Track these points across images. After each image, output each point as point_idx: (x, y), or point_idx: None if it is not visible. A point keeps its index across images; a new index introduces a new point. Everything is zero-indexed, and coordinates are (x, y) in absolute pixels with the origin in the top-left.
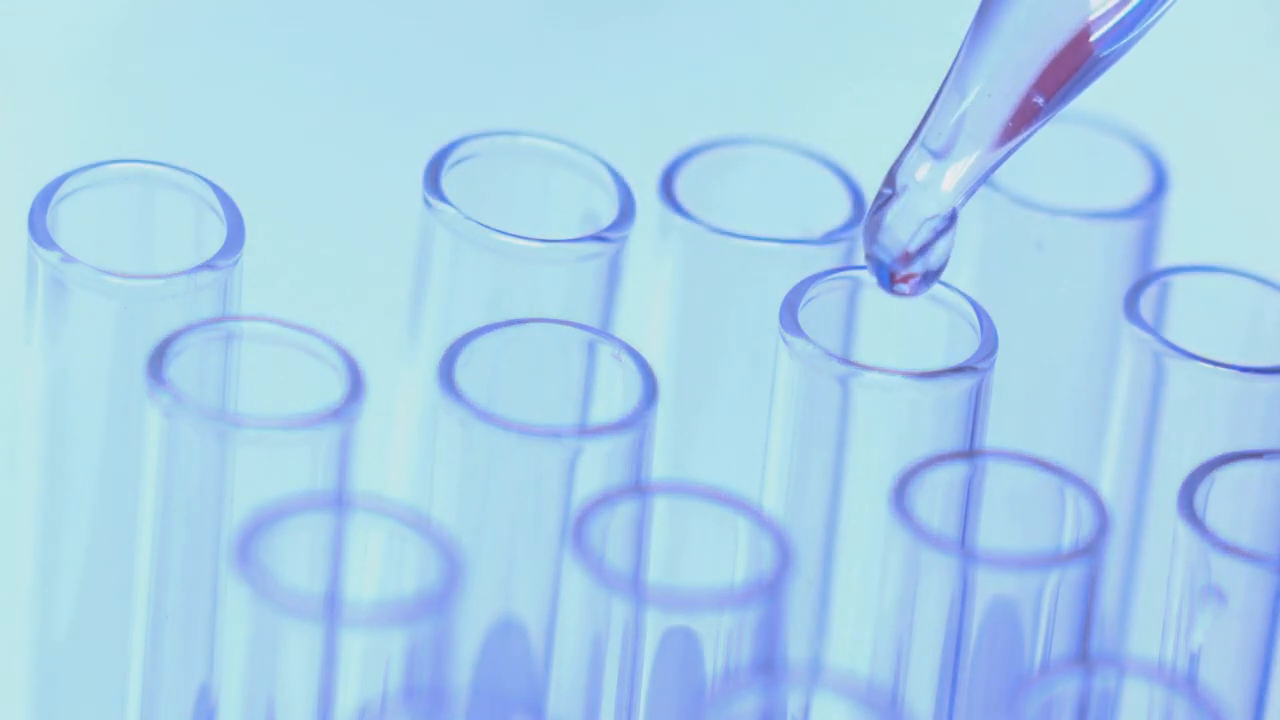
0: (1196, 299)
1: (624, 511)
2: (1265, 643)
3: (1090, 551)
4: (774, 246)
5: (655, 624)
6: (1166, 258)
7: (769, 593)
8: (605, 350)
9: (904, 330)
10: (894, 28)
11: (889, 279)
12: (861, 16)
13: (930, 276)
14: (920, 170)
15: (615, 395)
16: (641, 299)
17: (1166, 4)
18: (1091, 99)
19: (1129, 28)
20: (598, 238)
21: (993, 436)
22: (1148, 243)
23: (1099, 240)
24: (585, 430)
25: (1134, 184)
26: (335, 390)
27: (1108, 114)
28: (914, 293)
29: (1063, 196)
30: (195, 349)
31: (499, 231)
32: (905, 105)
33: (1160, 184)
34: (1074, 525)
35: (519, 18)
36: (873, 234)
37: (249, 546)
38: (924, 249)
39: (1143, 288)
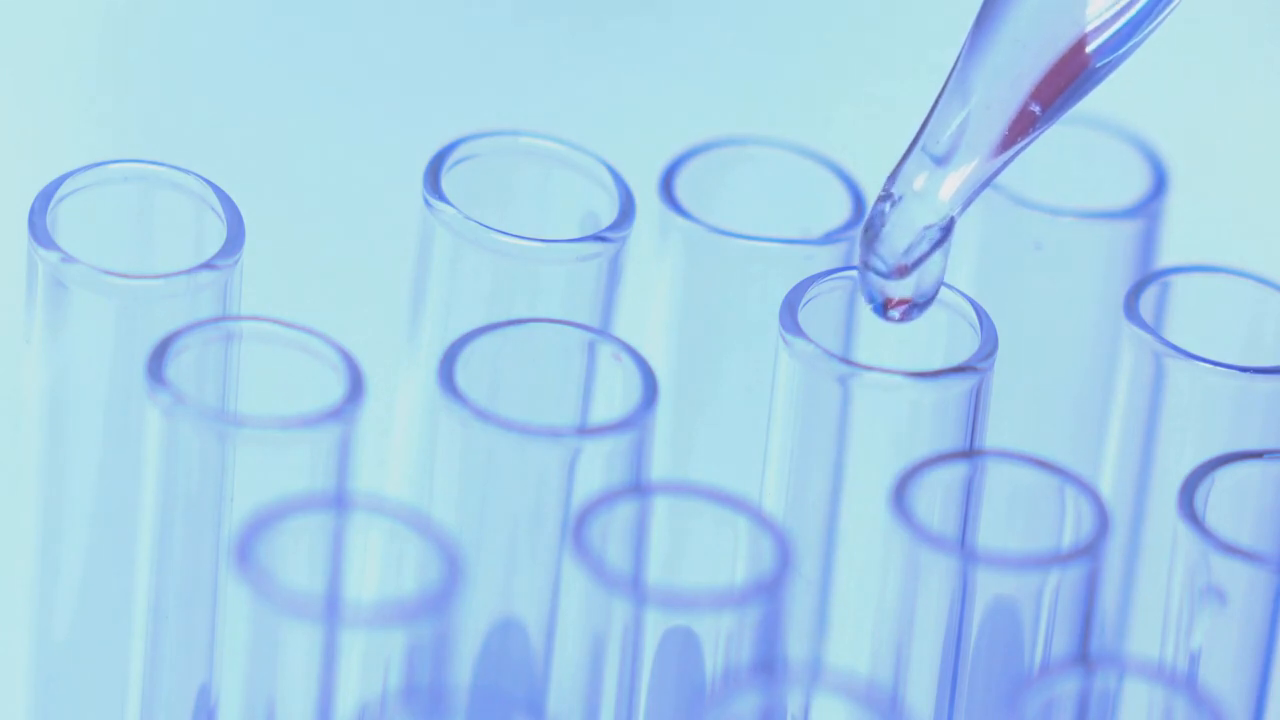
0: (1196, 299)
1: (624, 511)
2: (1265, 643)
3: (1090, 551)
4: (774, 246)
5: (655, 624)
6: (1166, 258)
7: (769, 593)
8: (605, 350)
9: (904, 330)
10: (895, 29)
11: (882, 306)
12: (863, 17)
13: (922, 304)
14: (918, 179)
15: (615, 395)
16: (641, 299)
17: (1163, 15)
18: (1091, 100)
19: (1125, 38)
20: (598, 238)
21: (993, 436)
22: (1148, 243)
23: (1099, 240)
24: (585, 430)
25: (1134, 184)
26: (335, 390)
27: (1108, 114)
28: (905, 319)
29: (1063, 196)
30: (195, 349)
31: (499, 231)
32: (905, 106)
33: (1160, 184)
34: (1074, 525)
35: (520, 18)
36: (869, 243)
37: (249, 546)
38: (920, 261)
39: (1143, 288)
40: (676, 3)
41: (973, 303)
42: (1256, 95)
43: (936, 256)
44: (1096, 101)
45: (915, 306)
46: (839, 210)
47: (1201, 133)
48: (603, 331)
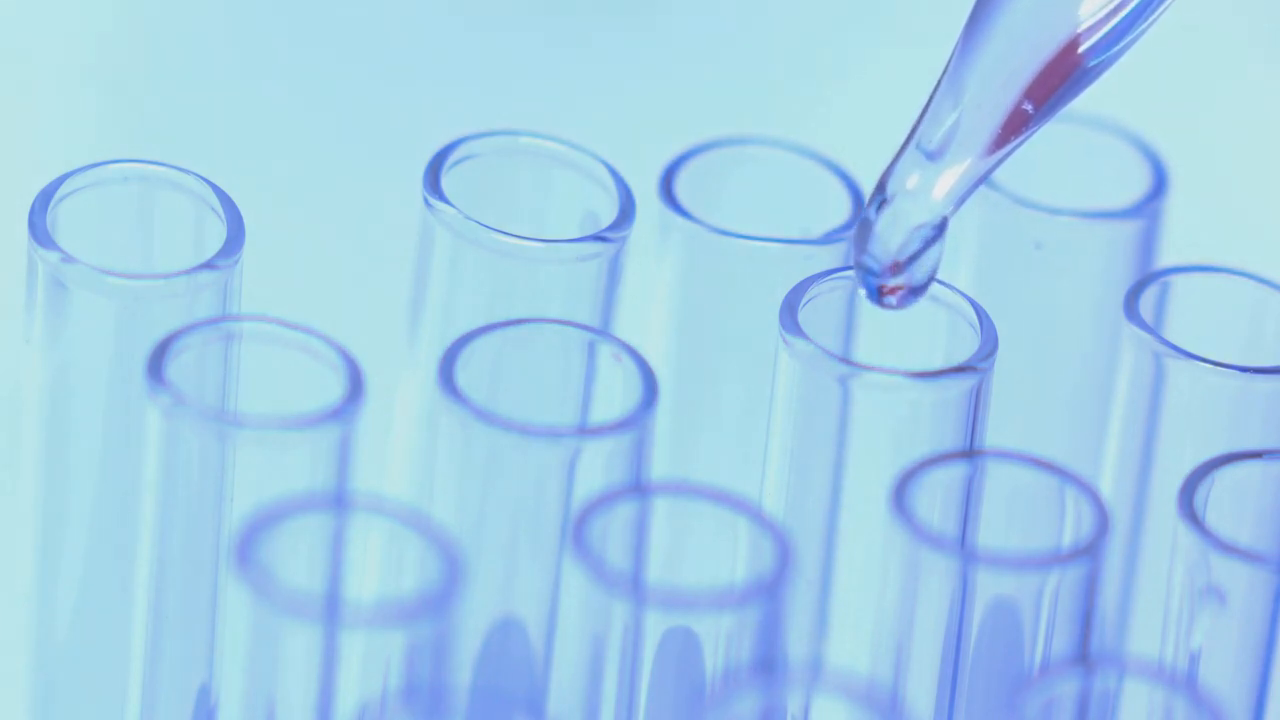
0: (1196, 299)
1: (624, 511)
2: (1265, 643)
3: (1090, 551)
4: (774, 246)
5: (655, 624)
6: (1166, 258)
7: (769, 593)
8: (605, 350)
9: (904, 330)
10: (894, 28)
11: (876, 292)
12: (861, 16)
13: (917, 290)
14: (910, 179)
15: (615, 395)
16: (641, 299)
17: (1155, 15)
18: (1091, 99)
19: (1118, 38)
20: (598, 238)
21: (993, 436)
22: (1148, 243)
23: (1099, 240)
24: (585, 430)
25: (1134, 184)
26: (335, 390)
27: (1108, 114)
28: (900, 305)
29: (1063, 196)
30: (195, 349)
31: (499, 231)
32: (905, 105)
33: (1160, 184)
34: (1074, 525)
35: (519, 18)
36: (862, 243)
37: (249, 546)
38: (913, 259)
39: (1143, 288)
40: (676, 3)
41: (973, 303)
42: (1256, 95)
43: (928, 258)
44: (1096, 101)
45: (911, 292)
46: (839, 210)
47: (1201, 133)
48: (603, 331)
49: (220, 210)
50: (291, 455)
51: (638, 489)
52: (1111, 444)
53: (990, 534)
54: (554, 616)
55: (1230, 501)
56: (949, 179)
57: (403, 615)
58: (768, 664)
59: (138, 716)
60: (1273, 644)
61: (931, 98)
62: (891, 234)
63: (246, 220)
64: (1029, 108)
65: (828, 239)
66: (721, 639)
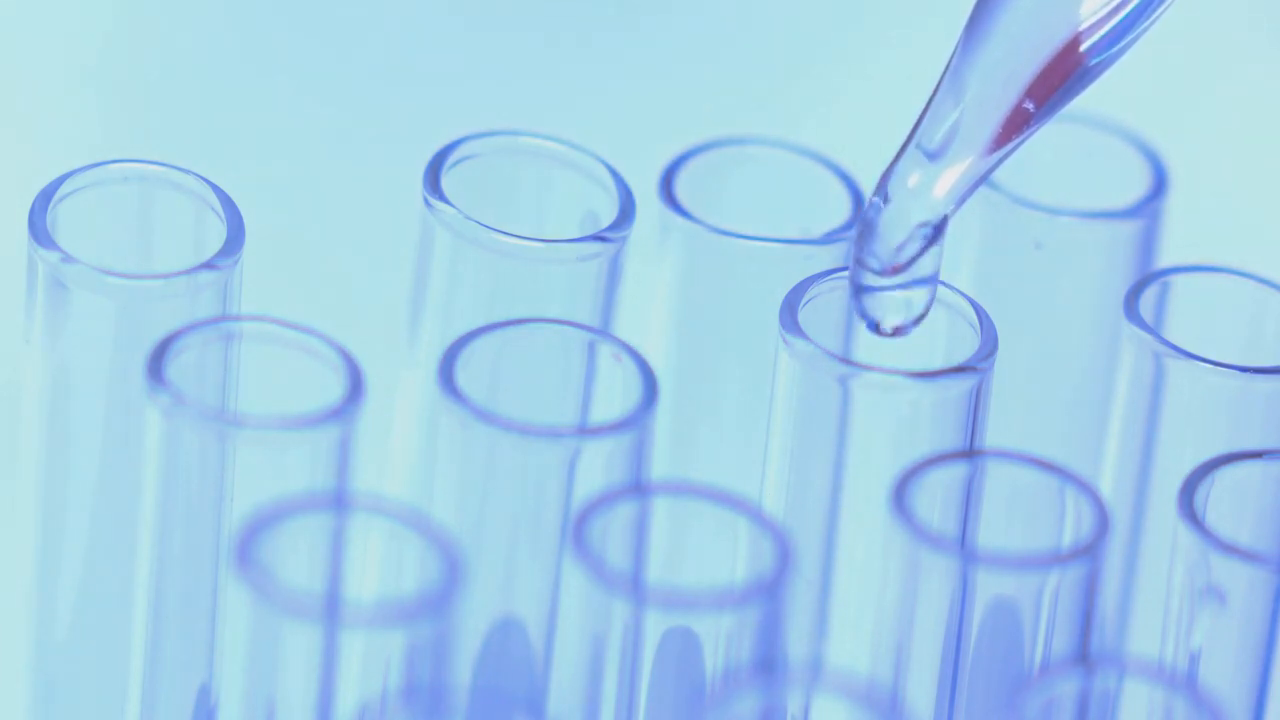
0: (1196, 299)
1: (624, 511)
2: (1265, 643)
3: (1090, 551)
4: (774, 246)
5: (655, 624)
6: (1166, 258)
7: (769, 593)
8: (605, 350)
9: None
10: (894, 28)
11: (875, 325)
12: (861, 16)
13: (914, 321)
14: (911, 178)
15: (615, 395)
16: (641, 299)
17: (1156, 14)
18: (1091, 99)
19: (1119, 36)
20: (598, 238)
21: (993, 436)
22: (1148, 243)
23: (1099, 240)
24: (585, 430)
25: (1134, 184)
26: (335, 390)
27: (1108, 114)
28: (896, 335)
29: (1063, 196)
30: (195, 349)
31: (499, 231)
32: (905, 105)
33: (1160, 184)
34: (1074, 525)
35: (519, 18)
36: (863, 242)
37: (249, 546)
38: (913, 260)
39: (1143, 288)
40: (677, 3)
41: (973, 303)
42: (1256, 95)
43: (928, 259)
44: (1096, 101)
45: (908, 323)
46: (839, 210)
47: (1201, 133)
48: (603, 331)
49: (220, 210)
50: (291, 455)
51: (638, 489)
52: (1111, 444)
53: (990, 534)
54: (554, 616)
55: (1230, 501)
56: (950, 178)
57: (403, 615)
58: (768, 664)
59: (138, 716)
60: (1273, 644)
61: (932, 97)
62: (893, 233)
63: (246, 220)
64: (1030, 107)
65: (828, 239)
66: (721, 639)
